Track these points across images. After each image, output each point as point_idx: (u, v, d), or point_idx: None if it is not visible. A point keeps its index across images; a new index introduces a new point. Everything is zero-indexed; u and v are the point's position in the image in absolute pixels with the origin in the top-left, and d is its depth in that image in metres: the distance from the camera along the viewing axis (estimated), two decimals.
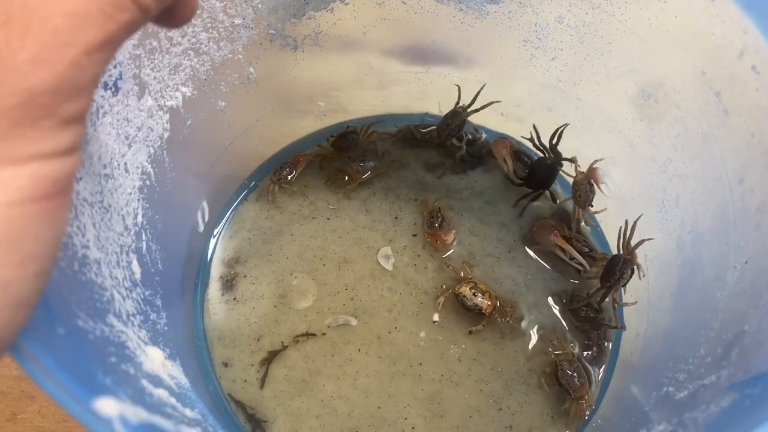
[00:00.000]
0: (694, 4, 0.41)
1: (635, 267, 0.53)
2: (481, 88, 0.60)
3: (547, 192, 0.62)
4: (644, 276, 0.53)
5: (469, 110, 0.62)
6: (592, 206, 0.58)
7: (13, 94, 0.21)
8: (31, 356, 0.22)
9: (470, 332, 0.56)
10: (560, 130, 0.57)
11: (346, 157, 0.65)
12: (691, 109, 0.44)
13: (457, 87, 0.61)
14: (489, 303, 0.55)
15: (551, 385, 0.54)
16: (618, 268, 0.53)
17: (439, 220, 0.60)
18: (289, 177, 0.63)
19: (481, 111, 0.61)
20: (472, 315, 0.56)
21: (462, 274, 0.58)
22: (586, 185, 0.56)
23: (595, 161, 0.56)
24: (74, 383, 0.22)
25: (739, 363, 0.31)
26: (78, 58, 0.21)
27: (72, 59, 0.21)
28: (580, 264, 0.57)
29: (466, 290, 0.56)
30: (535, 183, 0.61)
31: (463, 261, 0.60)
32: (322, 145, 0.65)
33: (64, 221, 0.24)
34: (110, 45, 0.22)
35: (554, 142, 0.57)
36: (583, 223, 0.60)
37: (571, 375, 0.53)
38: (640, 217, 0.52)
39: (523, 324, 0.57)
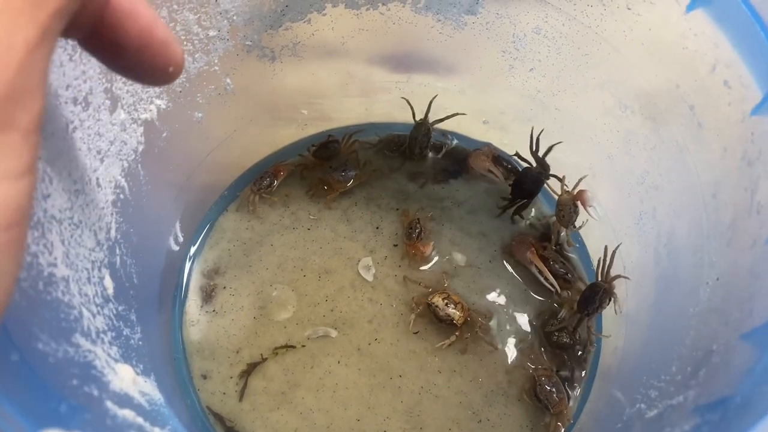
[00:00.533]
0: (668, 17, 0.41)
1: (613, 298, 0.53)
2: (432, 99, 0.60)
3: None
4: (620, 312, 0.52)
5: (429, 120, 0.62)
6: (575, 227, 0.58)
7: None
8: None
9: (444, 346, 0.56)
10: (537, 137, 0.56)
11: (327, 166, 0.64)
12: (666, 121, 0.44)
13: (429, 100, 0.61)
14: (460, 314, 0.55)
15: (532, 399, 0.54)
16: (598, 297, 0.53)
17: (417, 231, 0.60)
18: (269, 187, 0.62)
19: (454, 119, 0.61)
20: (444, 326, 0.56)
21: (433, 287, 0.58)
22: (570, 206, 0.56)
23: (581, 179, 0.55)
24: (21, 414, 0.21)
25: (705, 384, 0.30)
26: (22, 61, 0.20)
27: (17, 63, 0.19)
28: (552, 285, 0.57)
29: (438, 300, 0.55)
30: (521, 192, 0.60)
31: (443, 272, 0.59)
32: (304, 155, 0.65)
33: (24, 250, 0.22)
34: (48, 36, 0.21)
35: (535, 149, 0.57)
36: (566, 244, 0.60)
37: (550, 390, 0.52)
38: (618, 246, 0.51)
39: (503, 335, 0.57)
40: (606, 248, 0.52)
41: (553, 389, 0.52)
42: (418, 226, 0.60)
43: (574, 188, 0.56)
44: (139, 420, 0.36)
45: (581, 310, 0.53)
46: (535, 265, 0.57)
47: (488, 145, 0.64)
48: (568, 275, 0.57)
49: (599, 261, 0.53)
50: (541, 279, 0.57)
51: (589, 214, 0.55)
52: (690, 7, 0.39)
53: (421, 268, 0.60)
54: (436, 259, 0.60)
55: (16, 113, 0.20)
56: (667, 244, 0.45)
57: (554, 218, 0.59)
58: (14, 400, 0.22)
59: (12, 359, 0.26)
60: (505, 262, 0.60)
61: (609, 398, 0.48)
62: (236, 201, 0.63)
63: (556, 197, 0.57)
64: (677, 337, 0.39)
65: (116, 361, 0.39)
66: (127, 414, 0.34)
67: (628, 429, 0.37)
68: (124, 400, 0.36)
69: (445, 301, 0.56)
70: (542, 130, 0.56)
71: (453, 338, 0.56)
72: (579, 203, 0.56)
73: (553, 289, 0.57)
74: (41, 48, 0.20)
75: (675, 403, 0.32)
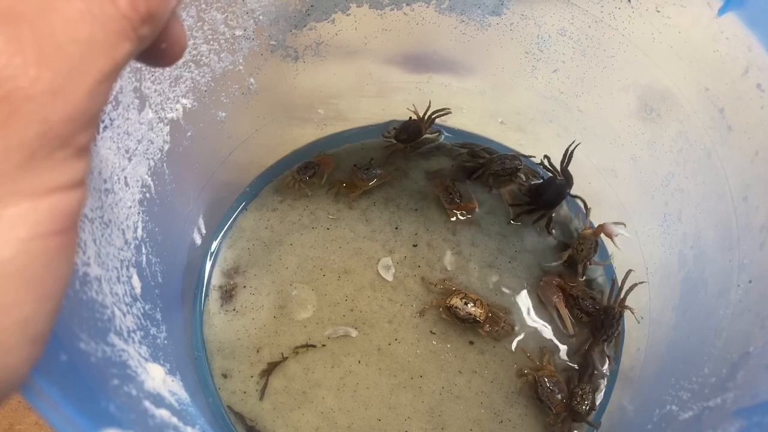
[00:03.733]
0: (698, 19, 0.41)
1: (631, 310, 0.54)
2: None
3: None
4: (641, 319, 0.53)
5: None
6: (591, 264, 0.58)
7: (31, 125, 0.20)
8: (36, 389, 0.22)
9: (471, 342, 0.56)
10: (571, 149, 0.56)
11: (408, 149, 0.65)
12: (694, 124, 0.44)
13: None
14: (481, 311, 0.55)
15: (535, 400, 0.54)
16: (614, 319, 0.53)
17: (458, 194, 0.61)
18: (312, 177, 0.63)
19: (470, 119, 0.62)
20: (467, 325, 0.56)
21: (454, 289, 0.58)
22: (593, 241, 0.56)
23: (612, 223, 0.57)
24: (80, 415, 0.22)
25: (746, 386, 0.30)
26: (93, 87, 0.21)
27: (88, 88, 0.21)
28: (567, 330, 0.56)
29: (457, 301, 0.56)
30: (542, 202, 0.60)
31: (444, 279, 0.59)
32: (386, 136, 0.65)
33: (74, 254, 0.24)
34: (116, 74, 0.22)
35: (565, 164, 0.57)
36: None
37: (551, 390, 0.53)
38: (629, 272, 0.53)
39: (522, 335, 0.57)
40: (614, 280, 0.53)
41: (555, 388, 0.53)
42: (455, 189, 0.61)
43: (598, 228, 0.57)
44: (174, 420, 0.36)
45: (598, 335, 0.54)
46: (558, 310, 0.56)
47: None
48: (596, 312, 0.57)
49: (611, 290, 0.53)
50: (558, 321, 0.57)
51: (615, 245, 0.56)
52: (722, 11, 0.39)
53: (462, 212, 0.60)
54: (455, 263, 0.60)
55: (76, 133, 0.22)
56: (694, 247, 0.46)
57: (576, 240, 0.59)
58: (71, 401, 0.22)
59: (62, 360, 0.26)
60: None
61: (633, 400, 0.48)
62: (256, 200, 0.63)
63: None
64: (707, 338, 0.39)
65: (146, 360, 0.39)
66: (163, 414, 0.34)
67: (661, 431, 0.37)
68: (158, 400, 0.36)
69: (464, 300, 0.56)
70: (578, 143, 0.56)
71: (485, 333, 0.56)
72: (602, 236, 0.57)
73: (566, 333, 0.56)
74: (109, 81, 0.22)
75: (712, 405, 0.32)
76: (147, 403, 0.33)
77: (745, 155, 0.39)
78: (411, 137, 0.64)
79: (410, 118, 0.64)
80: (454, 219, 0.62)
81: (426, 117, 0.63)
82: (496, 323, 0.56)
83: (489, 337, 0.56)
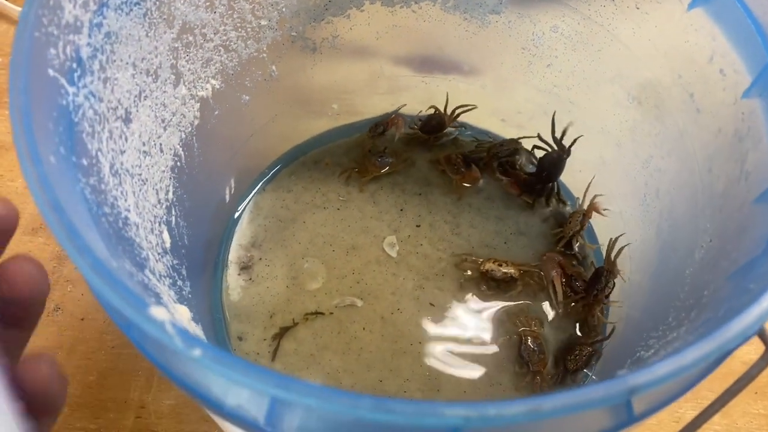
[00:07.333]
0: (672, 14, 0.46)
1: (618, 273, 0.58)
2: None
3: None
4: (627, 280, 0.57)
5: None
6: (579, 239, 0.62)
7: None
8: (100, 278, 0.27)
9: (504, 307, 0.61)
10: (553, 118, 0.61)
11: (431, 140, 0.70)
12: (669, 109, 0.49)
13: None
14: (514, 270, 0.60)
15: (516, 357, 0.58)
16: (604, 276, 0.57)
17: (461, 163, 0.66)
18: (383, 134, 0.69)
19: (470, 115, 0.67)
20: (504, 285, 0.61)
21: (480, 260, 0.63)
22: (581, 215, 0.61)
23: (594, 197, 0.61)
24: (133, 296, 0.27)
25: (695, 320, 0.35)
26: None
27: None
28: (559, 305, 0.61)
29: (491, 265, 0.61)
30: (545, 177, 0.64)
31: (463, 254, 0.64)
32: (413, 128, 0.70)
33: None
34: None
35: (552, 130, 0.61)
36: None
37: (533, 350, 0.57)
38: (627, 245, 0.57)
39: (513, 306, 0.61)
40: (611, 239, 0.58)
41: (537, 349, 0.57)
42: (458, 160, 0.66)
43: (589, 206, 0.62)
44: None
45: (589, 294, 0.58)
46: (554, 285, 0.61)
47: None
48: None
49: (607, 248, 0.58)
50: (552, 296, 0.61)
51: (601, 213, 0.61)
52: (691, 6, 0.44)
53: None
54: (456, 240, 0.65)
55: None
56: (668, 219, 0.50)
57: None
58: (125, 288, 0.27)
59: (113, 265, 0.31)
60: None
61: (611, 359, 0.53)
62: (273, 181, 0.68)
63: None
64: (674, 294, 0.43)
65: (175, 302, 0.44)
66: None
67: (623, 370, 0.42)
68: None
69: (497, 263, 0.61)
70: (555, 111, 0.61)
71: (520, 288, 0.61)
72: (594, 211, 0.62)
73: (555, 304, 0.61)
74: None
75: (669, 339, 0.37)
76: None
77: (710, 133, 0.44)
78: (433, 129, 0.69)
79: (435, 111, 0.69)
80: (467, 185, 0.67)
81: (450, 112, 0.68)
82: (531, 276, 0.61)
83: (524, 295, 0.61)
